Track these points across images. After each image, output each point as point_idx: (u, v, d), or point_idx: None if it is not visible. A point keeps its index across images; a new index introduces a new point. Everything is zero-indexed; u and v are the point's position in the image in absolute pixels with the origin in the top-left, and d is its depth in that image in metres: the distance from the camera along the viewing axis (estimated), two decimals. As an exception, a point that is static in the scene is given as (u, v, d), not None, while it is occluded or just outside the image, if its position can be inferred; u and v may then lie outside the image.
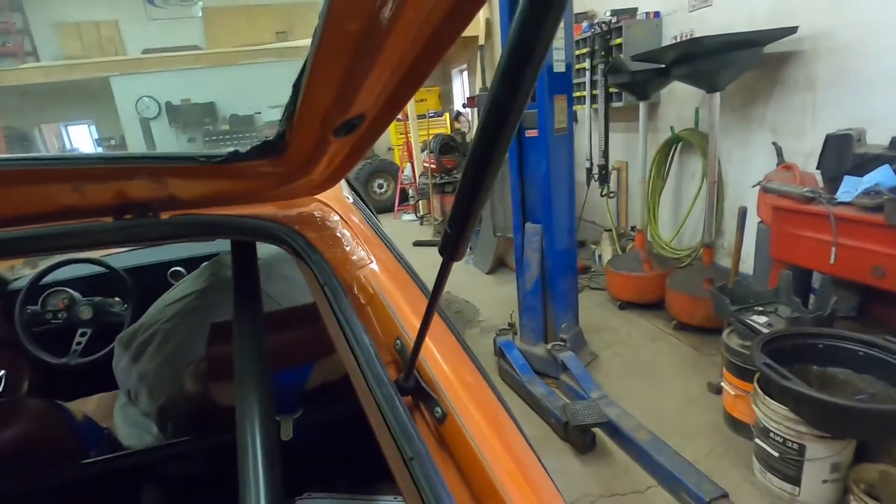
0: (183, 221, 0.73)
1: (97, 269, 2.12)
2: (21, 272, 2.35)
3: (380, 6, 0.35)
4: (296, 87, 0.47)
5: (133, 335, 1.71)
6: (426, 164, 7.01)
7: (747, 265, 3.27)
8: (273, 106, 10.39)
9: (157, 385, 1.55)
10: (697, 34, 3.61)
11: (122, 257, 2.20)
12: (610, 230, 4.87)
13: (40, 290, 2.04)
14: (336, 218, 0.82)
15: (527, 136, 2.88)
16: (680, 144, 4.08)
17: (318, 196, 0.84)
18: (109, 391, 2.03)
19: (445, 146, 6.57)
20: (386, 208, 8.67)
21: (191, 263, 2.31)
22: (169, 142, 10.28)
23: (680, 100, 4.03)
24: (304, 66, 0.43)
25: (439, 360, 0.62)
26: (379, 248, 0.84)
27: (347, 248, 0.75)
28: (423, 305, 0.73)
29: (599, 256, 4.91)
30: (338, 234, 0.78)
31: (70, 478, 1.34)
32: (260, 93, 10.39)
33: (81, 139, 13.30)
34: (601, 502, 2.17)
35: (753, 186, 2.81)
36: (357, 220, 0.87)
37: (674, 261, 4.06)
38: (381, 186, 9.13)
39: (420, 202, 7.88)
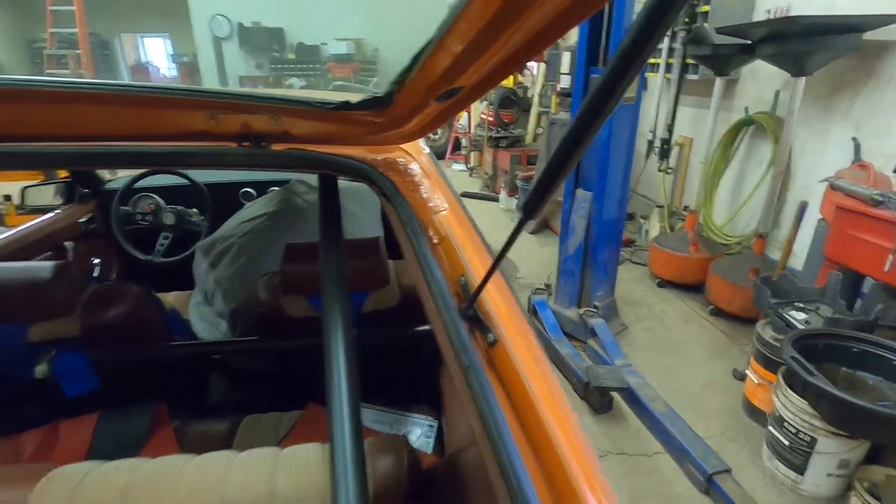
0: (291, 154, 0.86)
1: (180, 180, 2.34)
2: (114, 176, 2.61)
3: None
4: (416, 56, 0.57)
5: (212, 244, 1.93)
6: (483, 116, 6.95)
7: (797, 262, 3.20)
8: (340, 39, 10.35)
9: (231, 290, 1.77)
10: (794, 12, 3.36)
11: (200, 173, 2.40)
12: (661, 207, 4.79)
13: (132, 194, 2.28)
14: (416, 166, 0.93)
15: (593, 101, 2.85)
16: (752, 128, 3.90)
17: (402, 145, 0.94)
18: (184, 290, 2.30)
19: (506, 100, 6.47)
20: (438, 154, 8.68)
21: (259, 186, 2.51)
22: (237, 65, 10.50)
23: (761, 80, 3.81)
24: (432, 39, 0.52)
25: (495, 298, 0.74)
26: (448, 196, 0.95)
27: (425, 194, 0.87)
28: (481, 249, 0.84)
29: (646, 232, 4.86)
30: (417, 181, 0.89)
31: (158, 356, 1.58)
32: (328, 22, 10.36)
33: (156, 52, 13.74)
34: (609, 458, 2.33)
35: (821, 181, 2.71)
36: (433, 169, 0.98)
37: (722, 246, 3.99)
38: (435, 132, 9.11)
39: (472, 153, 7.87)
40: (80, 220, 2.29)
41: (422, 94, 0.65)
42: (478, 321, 0.69)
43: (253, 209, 1.98)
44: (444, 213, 0.85)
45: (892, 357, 2.02)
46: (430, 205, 0.85)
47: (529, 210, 0.47)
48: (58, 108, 0.76)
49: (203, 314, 2.04)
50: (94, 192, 2.37)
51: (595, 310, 3.15)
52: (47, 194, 2.44)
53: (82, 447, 1.35)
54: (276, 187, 2.31)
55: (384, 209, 1.50)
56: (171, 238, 2.31)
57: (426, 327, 1.64)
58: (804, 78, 2.95)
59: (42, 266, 1.35)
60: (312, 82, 10.54)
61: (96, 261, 2.31)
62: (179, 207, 2.34)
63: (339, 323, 0.81)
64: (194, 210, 2.39)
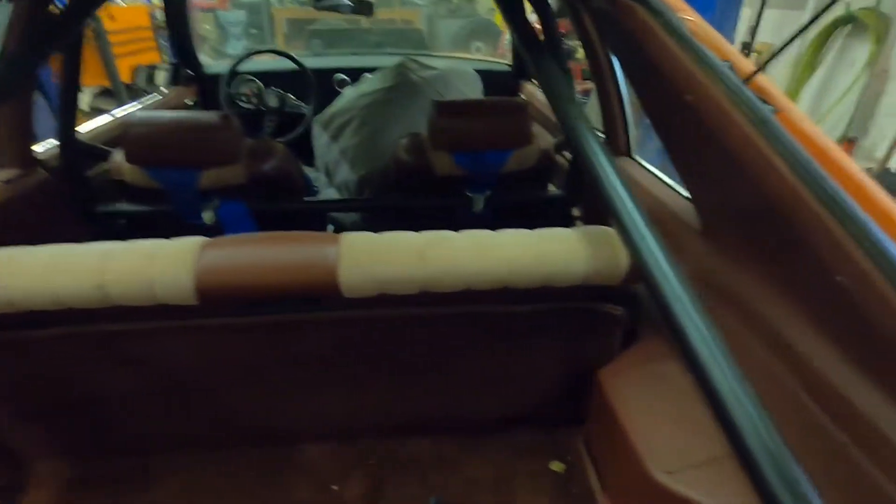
0: None
1: (278, 65, 2.34)
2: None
3: None
4: None
5: (331, 118, 1.96)
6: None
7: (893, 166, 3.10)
8: None
9: (358, 157, 1.82)
10: None
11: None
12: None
13: (234, 76, 2.31)
14: None
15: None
16: (848, 27, 3.65)
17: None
18: None
19: (562, 9, 6.09)
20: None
21: (351, 73, 2.51)
22: None
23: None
24: None
25: (767, 79, 0.75)
26: None
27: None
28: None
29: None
30: None
31: (299, 210, 1.66)
32: None
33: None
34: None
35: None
36: None
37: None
38: (477, 50, 8.68)
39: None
40: (187, 102, 2.34)
41: None
42: (757, 95, 0.72)
43: (368, 85, 1.99)
44: (689, 14, 0.86)
45: None
46: (678, 6, 0.85)
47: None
48: None
49: (319, 189, 2.13)
50: (197, 76, 2.40)
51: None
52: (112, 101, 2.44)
53: None
54: (368, 73, 2.30)
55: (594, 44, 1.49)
56: (276, 121, 2.35)
57: (557, 192, 1.68)
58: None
59: (209, 114, 1.41)
60: None
61: None
62: (280, 90, 2.36)
63: (584, 127, 0.83)
64: (291, 95, 2.41)
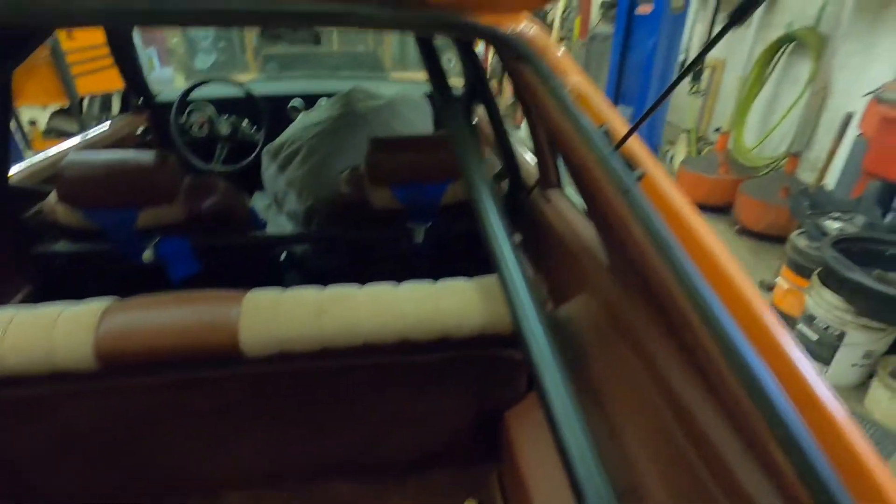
0: (437, 17, 0.90)
1: (231, 93, 2.36)
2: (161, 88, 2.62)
3: None
4: None
5: (279, 148, 1.99)
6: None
7: (829, 181, 3.25)
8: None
9: (306, 189, 1.85)
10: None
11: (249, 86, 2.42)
12: (688, 131, 4.76)
13: (186, 105, 2.31)
14: (539, 31, 0.98)
15: (637, 13, 2.80)
16: (791, 46, 3.81)
17: (524, 14, 0.99)
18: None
19: (528, 22, 6.22)
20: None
21: (307, 98, 2.53)
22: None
23: (806, -7, 3.68)
24: None
25: (638, 140, 0.82)
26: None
27: (554, 57, 0.92)
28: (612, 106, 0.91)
29: (671, 158, 4.87)
30: (544, 46, 0.94)
31: (254, 243, 1.68)
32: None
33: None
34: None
35: (866, 95, 2.72)
36: (550, 35, 1.03)
37: (750, 169, 4.03)
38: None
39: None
40: (137, 132, 2.34)
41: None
42: (624, 160, 0.78)
43: (316, 114, 2.03)
44: (572, 75, 0.92)
45: (923, 259, 2.13)
46: (562, 67, 0.91)
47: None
48: None
49: (269, 218, 2.15)
50: (147, 104, 2.40)
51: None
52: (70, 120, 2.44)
53: None
54: (324, 98, 2.34)
55: (485, 87, 1.54)
56: (228, 148, 2.36)
57: None
58: (856, -13, 2.87)
59: (146, 153, 1.42)
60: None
61: None
62: (233, 117, 2.38)
63: (479, 178, 0.89)
64: (246, 121, 2.43)
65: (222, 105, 2.41)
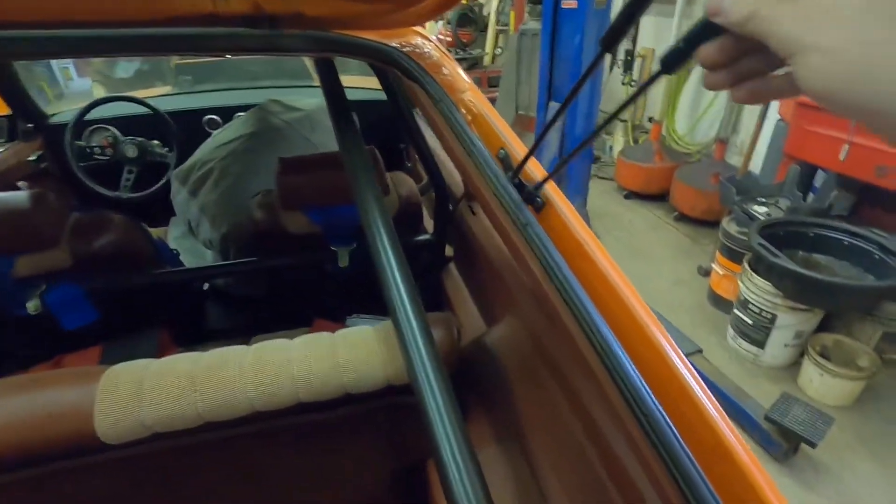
0: (309, 36, 0.81)
1: (135, 110, 2.16)
2: (57, 108, 2.38)
3: None
4: None
5: (189, 171, 1.84)
6: (441, 37, 6.64)
7: (754, 166, 3.37)
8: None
9: (219, 215, 1.71)
10: None
11: (158, 102, 2.23)
12: (625, 121, 4.85)
13: (84, 126, 2.10)
14: (432, 48, 0.91)
15: (563, 7, 2.78)
16: (713, 33, 3.93)
17: (416, 27, 0.91)
18: (158, 227, 2.20)
19: (464, 18, 6.18)
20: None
21: (224, 112, 2.37)
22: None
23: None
24: None
25: (534, 169, 0.76)
26: (466, 77, 0.93)
27: (448, 75, 0.85)
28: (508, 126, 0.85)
29: (611, 147, 4.95)
30: (438, 62, 0.87)
31: (156, 283, 1.53)
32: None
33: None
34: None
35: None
36: (445, 51, 0.95)
37: (684, 155, 4.14)
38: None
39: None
40: (30, 159, 2.11)
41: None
42: (524, 187, 0.71)
43: (228, 132, 1.88)
44: (469, 93, 0.85)
45: (841, 237, 2.23)
46: (456, 85, 0.84)
47: (609, 42, 0.47)
48: None
49: (186, 247, 1.98)
50: (39, 127, 2.17)
51: (570, 222, 3.25)
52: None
53: None
54: (242, 112, 2.19)
55: (398, 99, 1.45)
56: (136, 172, 2.17)
57: (426, 236, 1.66)
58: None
59: (18, 195, 1.26)
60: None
61: None
62: (140, 139, 2.18)
63: (377, 213, 0.81)
64: (156, 142, 2.23)
65: (128, 125, 2.21)
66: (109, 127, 2.15)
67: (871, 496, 1.80)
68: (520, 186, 0.72)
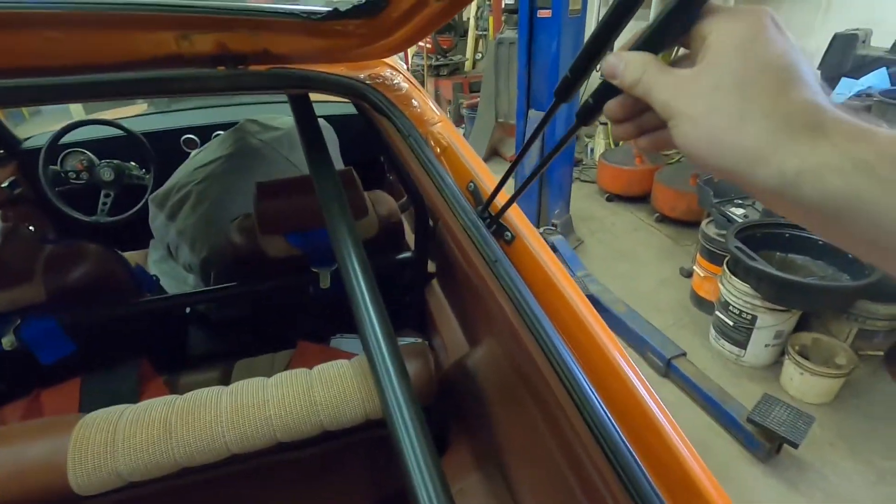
0: (276, 74, 0.81)
1: (110, 133, 2.14)
2: (29, 132, 2.34)
3: None
4: None
5: (166, 195, 1.82)
6: (421, 44, 6.65)
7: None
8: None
9: (198, 239, 1.70)
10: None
11: (134, 122, 2.21)
12: (605, 124, 4.90)
13: (58, 150, 2.07)
14: (402, 80, 0.91)
15: (539, 16, 2.81)
16: (687, 36, 3.99)
17: (386, 59, 0.91)
18: (136, 251, 2.18)
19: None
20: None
21: (202, 132, 2.34)
22: None
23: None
24: None
25: (503, 202, 0.77)
26: (436, 109, 0.94)
27: (418, 108, 0.86)
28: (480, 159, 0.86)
29: (592, 150, 5.00)
30: (407, 94, 0.87)
31: (133, 313, 1.52)
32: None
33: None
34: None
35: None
36: (416, 83, 0.96)
37: (664, 157, 4.19)
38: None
39: (412, 85, 7.58)
40: (3, 185, 2.07)
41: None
42: (494, 221, 0.72)
43: (205, 154, 1.86)
44: (439, 125, 0.85)
45: (816, 238, 2.28)
46: (426, 117, 0.84)
47: (563, 94, 0.49)
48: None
49: (166, 270, 1.96)
50: (12, 153, 2.13)
51: (553, 227, 3.28)
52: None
53: (71, 412, 1.32)
54: (221, 131, 2.17)
55: (377, 131, 1.46)
56: (113, 195, 2.14)
57: (407, 254, 1.66)
58: (737, -19, 3.02)
59: None
60: None
61: (30, 228, 2.12)
62: (116, 161, 2.15)
63: (349, 242, 0.82)
64: (133, 164, 2.21)
65: (106, 147, 2.18)
66: (84, 150, 2.12)
67: (853, 492, 1.84)
68: (490, 220, 0.72)
